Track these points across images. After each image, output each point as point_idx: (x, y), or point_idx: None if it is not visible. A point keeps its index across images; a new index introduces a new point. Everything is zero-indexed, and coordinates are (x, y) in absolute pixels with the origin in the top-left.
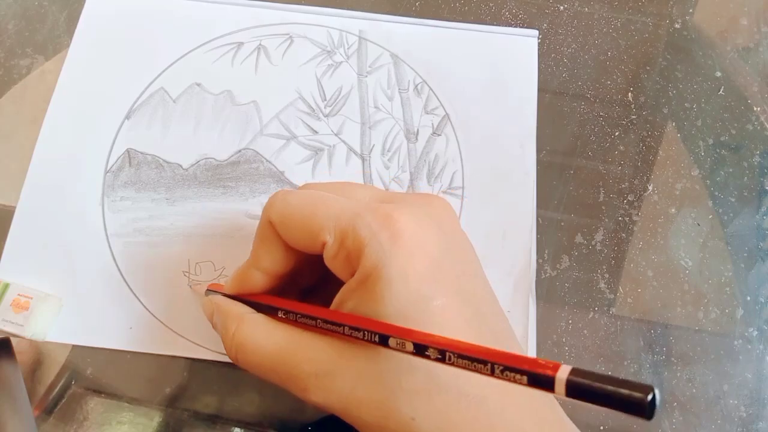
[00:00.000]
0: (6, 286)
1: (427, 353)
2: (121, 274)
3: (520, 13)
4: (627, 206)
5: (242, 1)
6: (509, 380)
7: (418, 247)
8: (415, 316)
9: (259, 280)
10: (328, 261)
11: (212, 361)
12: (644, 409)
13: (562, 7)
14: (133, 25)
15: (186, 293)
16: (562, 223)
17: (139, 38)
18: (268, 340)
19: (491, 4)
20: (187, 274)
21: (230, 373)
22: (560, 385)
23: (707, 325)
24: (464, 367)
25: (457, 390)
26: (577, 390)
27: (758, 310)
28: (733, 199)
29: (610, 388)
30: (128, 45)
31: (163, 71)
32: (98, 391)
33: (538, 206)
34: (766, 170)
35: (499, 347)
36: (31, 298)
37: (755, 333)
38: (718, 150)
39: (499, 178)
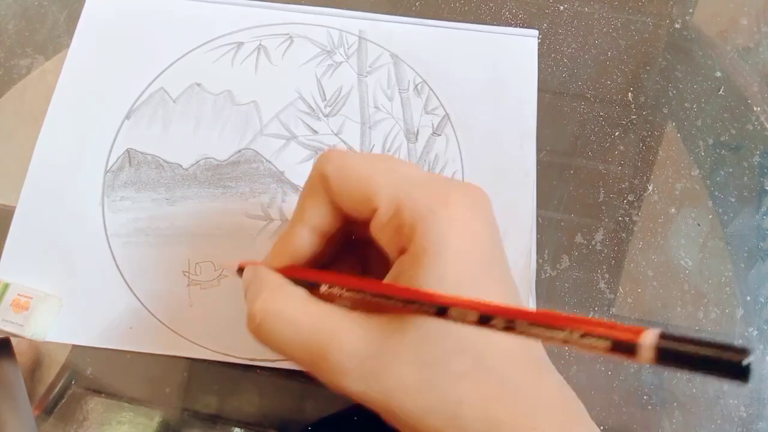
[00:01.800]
0: (6, 286)
1: (492, 323)
2: (121, 274)
3: (520, 13)
4: (627, 206)
5: (242, 1)
6: (588, 347)
7: (474, 233)
8: (469, 296)
9: (306, 240)
10: (377, 229)
11: (212, 361)
12: (741, 373)
13: (562, 7)
14: (133, 25)
15: (186, 293)
16: (562, 223)
17: (139, 38)
18: (304, 313)
19: (491, 4)
20: (187, 274)
21: (230, 373)
22: (648, 352)
23: (707, 325)
24: (536, 335)
25: (502, 374)
26: (668, 355)
27: (758, 310)
28: (733, 199)
29: (704, 351)
30: (128, 45)
31: (163, 71)
32: (98, 391)
33: (538, 206)
34: (766, 170)
35: None
36: (31, 298)
37: (755, 333)
38: (718, 150)
39: (499, 178)
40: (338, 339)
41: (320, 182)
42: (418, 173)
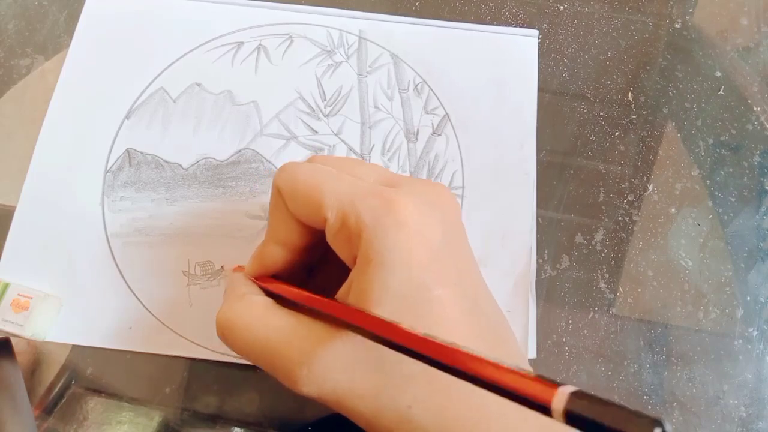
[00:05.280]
0: (6, 286)
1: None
2: (121, 274)
3: (520, 13)
4: (627, 206)
5: (242, 1)
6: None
7: (420, 235)
8: (415, 304)
9: (278, 255)
10: (330, 238)
11: (212, 361)
12: None
13: (562, 7)
14: (133, 25)
15: (186, 293)
16: (562, 223)
17: (139, 38)
18: (260, 324)
19: (491, 4)
20: (187, 274)
21: (230, 373)
22: (557, 414)
23: (707, 325)
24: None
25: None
26: (576, 420)
27: (758, 310)
28: (733, 199)
29: (616, 416)
30: (128, 45)
31: (163, 71)
32: (98, 391)
33: (538, 206)
34: (766, 170)
35: (496, 341)
36: (31, 298)
37: (755, 333)
38: (718, 150)
39: (499, 178)
40: (289, 347)
41: (279, 198)
42: (372, 177)
